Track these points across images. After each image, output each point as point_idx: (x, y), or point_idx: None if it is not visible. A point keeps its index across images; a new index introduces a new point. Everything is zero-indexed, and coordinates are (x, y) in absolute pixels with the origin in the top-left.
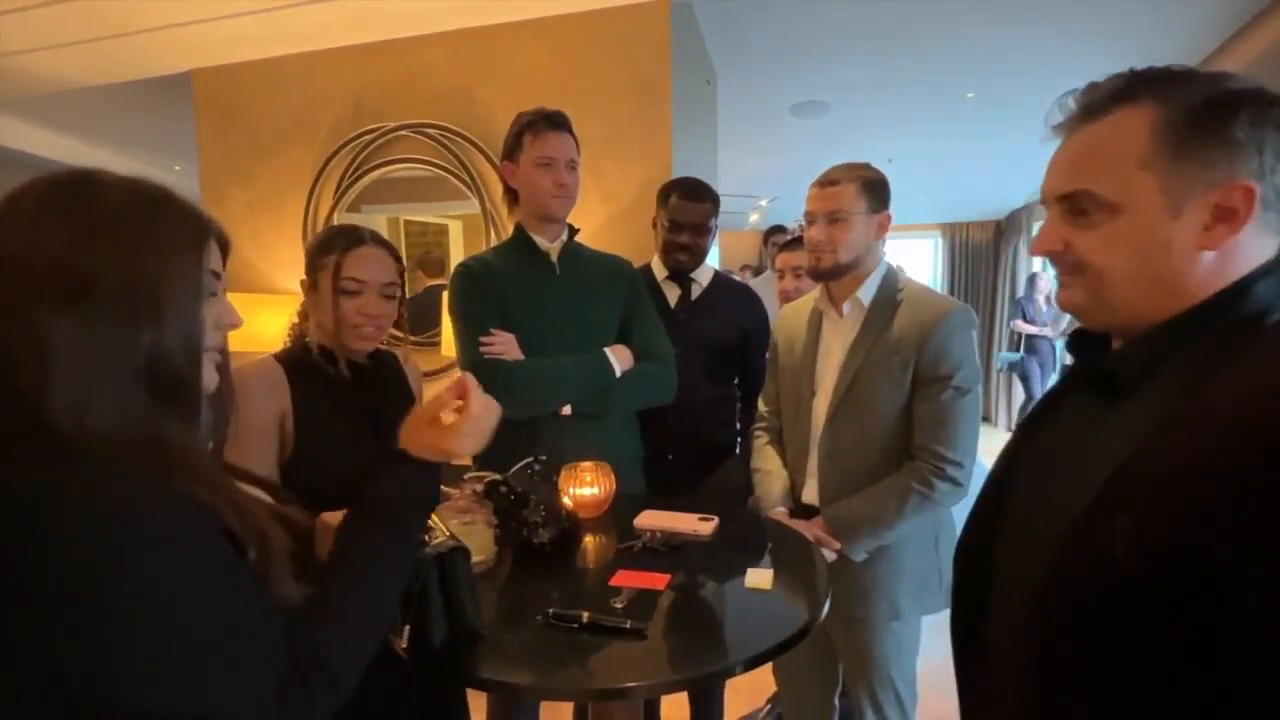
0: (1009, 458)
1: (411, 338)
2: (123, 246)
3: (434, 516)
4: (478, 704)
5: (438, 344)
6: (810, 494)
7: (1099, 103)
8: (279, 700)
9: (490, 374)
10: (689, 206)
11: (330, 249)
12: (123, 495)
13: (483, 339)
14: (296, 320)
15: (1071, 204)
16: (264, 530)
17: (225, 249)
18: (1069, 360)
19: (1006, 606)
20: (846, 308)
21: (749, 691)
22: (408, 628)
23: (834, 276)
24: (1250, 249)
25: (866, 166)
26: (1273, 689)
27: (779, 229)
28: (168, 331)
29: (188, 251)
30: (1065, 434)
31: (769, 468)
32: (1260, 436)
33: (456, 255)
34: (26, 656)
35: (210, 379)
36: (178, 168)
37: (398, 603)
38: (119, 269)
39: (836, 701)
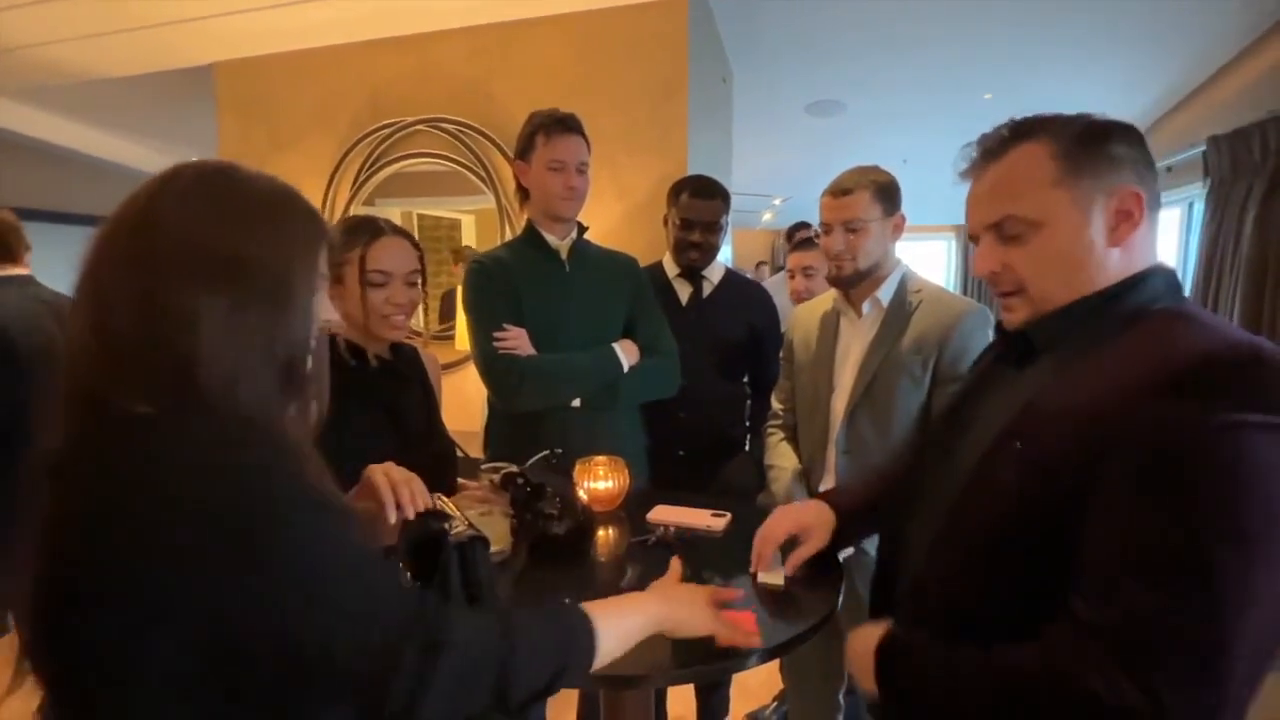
0: (933, 432)
1: (430, 331)
2: (267, 234)
3: (453, 505)
4: None
5: (452, 337)
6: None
7: (997, 146)
8: (383, 656)
9: (504, 369)
10: (700, 204)
11: (353, 243)
12: (268, 448)
13: (496, 334)
14: None
15: (1000, 230)
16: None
17: (329, 253)
18: None
19: (919, 545)
20: (866, 307)
21: (756, 689)
22: None
23: (855, 284)
24: (1143, 247)
25: (876, 170)
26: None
27: (803, 225)
28: (294, 320)
29: (313, 246)
30: (979, 402)
31: (784, 464)
32: (1121, 387)
33: (472, 249)
34: (178, 591)
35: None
36: (195, 158)
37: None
38: (264, 255)
39: (841, 699)
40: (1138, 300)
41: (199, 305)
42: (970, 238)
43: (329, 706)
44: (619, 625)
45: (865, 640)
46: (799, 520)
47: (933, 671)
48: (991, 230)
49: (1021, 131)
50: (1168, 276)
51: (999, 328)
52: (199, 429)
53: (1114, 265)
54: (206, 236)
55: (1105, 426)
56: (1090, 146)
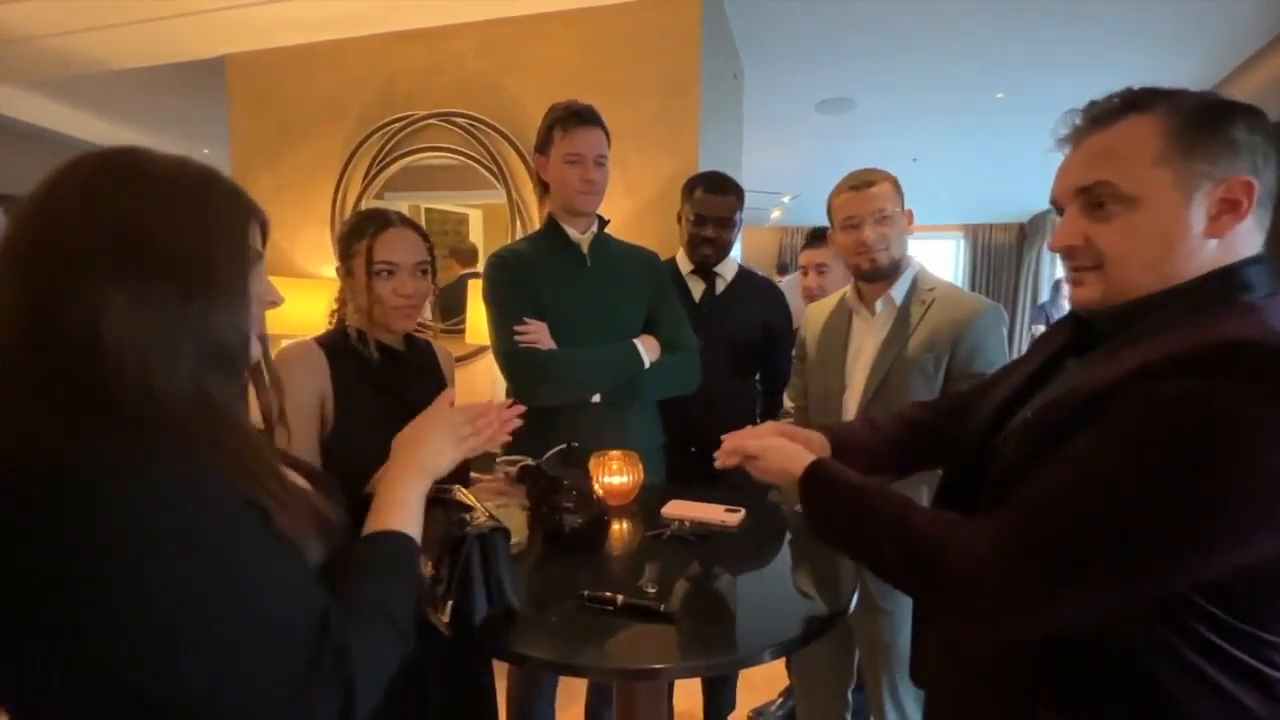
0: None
1: (440, 325)
2: (175, 214)
3: (473, 497)
4: (497, 685)
5: (462, 330)
6: None
7: (1107, 113)
8: (296, 693)
9: (525, 362)
10: (713, 200)
11: (361, 234)
12: (158, 468)
13: (517, 328)
14: (336, 306)
15: (1089, 197)
16: (304, 528)
17: (265, 231)
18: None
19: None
20: (879, 305)
21: (762, 684)
22: (450, 604)
23: (887, 275)
24: (1245, 241)
25: (880, 169)
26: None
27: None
28: (218, 301)
29: (234, 225)
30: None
31: None
32: (1132, 367)
33: (478, 244)
34: (51, 637)
35: (254, 350)
36: (206, 151)
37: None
38: (171, 236)
39: (850, 696)
40: (1222, 290)
41: (97, 296)
42: (1053, 203)
43: None
44: (413, 513)
45: (795, 460)
46: (795, 434)
47: (844, 500)
48: (1079, 197)
49: (1135, 102)
50: (1263, 269)
51: (1069, 318)
52: (79, 447)
53: (1207, 256)
54: (102, 221)
55: (1104, 396)
56: (1207, 127)
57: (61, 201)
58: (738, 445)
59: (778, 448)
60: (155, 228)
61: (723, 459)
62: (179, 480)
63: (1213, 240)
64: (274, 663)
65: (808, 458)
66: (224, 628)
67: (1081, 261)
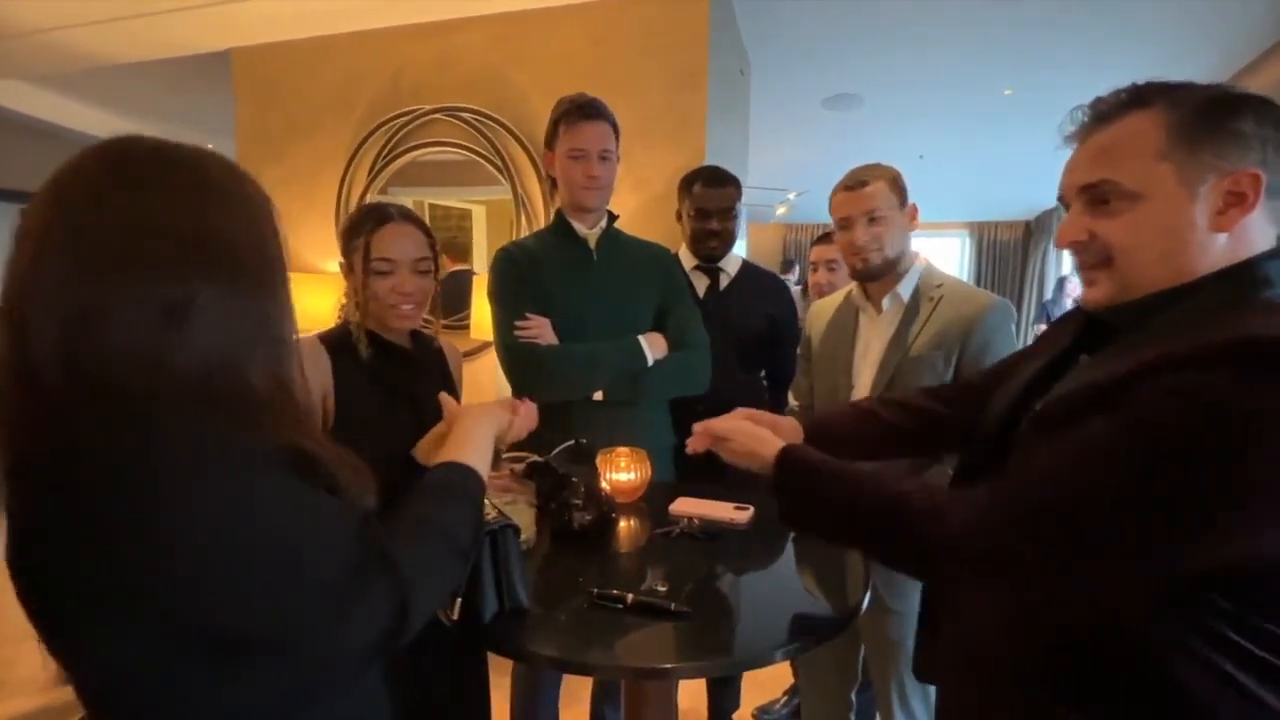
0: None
1: (442, 321)
2: (247, 217)
3: None
4: (499, 682)
5: (467, 326)
6: None
7: (1111, 110)
8: (348, 599)
9: (524, 357)
10: (713, 193)
11: (359, 230)
12: (203, 438)
13: (517, 323)
14: (344, 301)
15: (1093, 194)
16: (361, 476)
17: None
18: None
19: None
20: (886, 303)
21: (766, 682)
22: (459, 600)
23: (882, 275)
24: (1256, 235)
25: (882, 165)
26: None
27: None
28: (280, 298)
29: (277, 221)
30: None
31: None
32: (1145, 361)
33: (480, 240)
34: (117, 588)
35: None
36: (210, 145)
37: (470, 544)
38: (249, 239)
39: (854, 697)
40: (1237, 286)
41: (193, 295)
42: (1059, 199)
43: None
44: (480, 452)
45: (763, 444)
46: (760, 418)
47: (822, 480)
48: (1083, 194)
49: (1139, 98)
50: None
51: (1075, 314)
52: (130, 430)
53: (1218, 251)
54: (190, 224)
55: (1118, 390)
56: (1212, 120)
57: (117, 203)
58: (706, 427)
59: (745, 429)
60: (231, 229)
61: (693, 444)
62: (200, 436)
63: (1222, 235)
64: (315, 579)
65: (777, 442)
66: (257, 557)
67: (1089, 257)
